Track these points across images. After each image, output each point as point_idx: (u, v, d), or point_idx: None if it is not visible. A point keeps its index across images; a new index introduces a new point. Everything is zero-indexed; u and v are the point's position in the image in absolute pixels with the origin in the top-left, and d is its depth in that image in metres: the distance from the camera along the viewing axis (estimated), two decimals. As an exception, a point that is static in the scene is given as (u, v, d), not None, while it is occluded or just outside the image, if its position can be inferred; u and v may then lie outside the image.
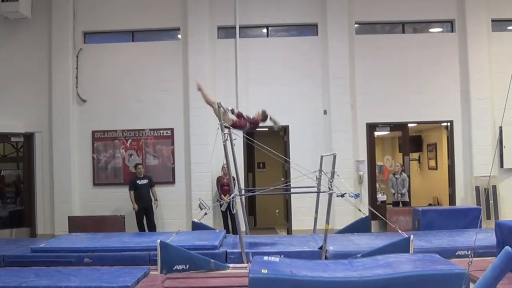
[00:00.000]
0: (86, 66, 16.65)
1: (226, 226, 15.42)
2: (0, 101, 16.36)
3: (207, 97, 11.32)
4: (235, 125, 11.22)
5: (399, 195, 15.87)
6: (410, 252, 9.48)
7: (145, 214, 15.59)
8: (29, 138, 16.70)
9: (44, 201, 16.50)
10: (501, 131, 15.54)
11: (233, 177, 12.53)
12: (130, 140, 16.50)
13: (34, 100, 16.57)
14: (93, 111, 16.56)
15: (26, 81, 16.56)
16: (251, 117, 11.37)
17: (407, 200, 15.98)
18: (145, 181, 15.64)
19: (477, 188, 15.82)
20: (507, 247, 5.75)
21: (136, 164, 15.97)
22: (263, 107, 11.52)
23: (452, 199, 16.50)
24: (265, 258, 8.16)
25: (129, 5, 16.72)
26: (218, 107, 10.74)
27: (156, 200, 15.77)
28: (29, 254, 10.85)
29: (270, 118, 11.37)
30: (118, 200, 15.98)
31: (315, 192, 12.31)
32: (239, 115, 11.35)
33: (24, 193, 16.99)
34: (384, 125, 16.83)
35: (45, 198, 16.48)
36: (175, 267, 9.53)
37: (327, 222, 10.35)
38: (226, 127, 11.04)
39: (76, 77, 16.58)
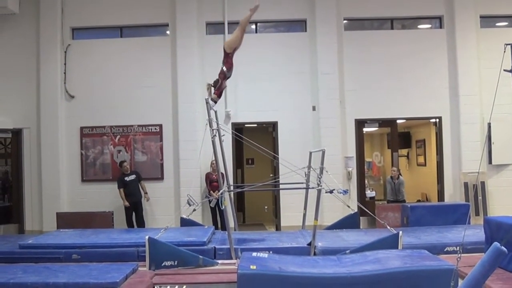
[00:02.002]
0: (74, 62, 16.59)
1: (214, 222, 15.42)
2: (-13, 97, 16.27)
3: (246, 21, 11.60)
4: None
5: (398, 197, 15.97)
6: (399, 248, 9.50)
7: (134, 210, 15.57)
8: (17, 134, 16.64)
9: (32, 197, 16.44)
10: (489, 127, 15.61)
11: (222, 173, 12.51)
12: (118, 136, 16.45)
13: (22, 96, 16.51)
14: (82, 107, 16.50)
15: (14, 77, 16.50)
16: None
17: (404, 199, 16.02)
18: (133, 177, 15.61)
19: (465, 184, 15.87)
20: (496, 243, 5.75)
21: (121, 162, 15.92)
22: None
23: (440, 195, 16.55)
24: (254, 254, 8.15)
25: (118, 0, 16.66)
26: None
27: (146, 193, 15.76)
28: (17, 251, 10.81)
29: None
30: (107, 196, 15.94)
31: (303, 188, 12.30)
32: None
33: (12, 189, 16.94)
34: (372, 121, 16.86)
35: (33, 194, 16.42)
36: (163, 263, 9.52)
37: (316, 218, 10.36)
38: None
39: (64, 73, 16.52)
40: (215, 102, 11.37)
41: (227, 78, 11.48)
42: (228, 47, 11.37)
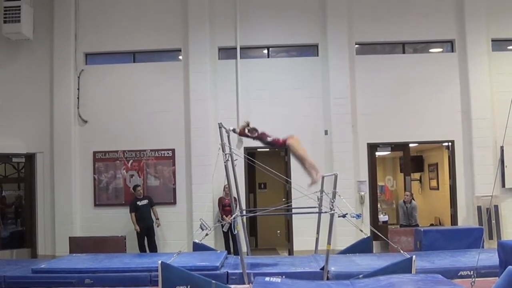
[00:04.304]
0: (87, 87, 16.69)
1: (227, 247, 15.39)
2: (1, 121, 16.35)
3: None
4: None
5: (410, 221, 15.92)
6: (413, 272, 9.42)
7: (147, 235, 15.58)
8: (30, 158, 16.72)
9: (45, 222, 16.47)
10: (502, 150, 15.51)
11: (234, 198, 12.50)
12: (131, 161, 16.50)
13: (36, 121, 16.61)
14: (94, 131, 16.58)
15: (28, 101, 16.61)
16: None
17: (417, 224, 15.95)
18: (145, 202, 15.64)
19: (479, 208, 15.78)
20: (510, 267, 5.74)
21: (134, 186, 15.96)
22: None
23: (454, 219, 16.45)
24: (267, 279, 8.14)
25: (131, 26, 16.79)
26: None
27: (157, 219, 15.77)
28: (30, 275, 10.81)
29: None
30: (119, 221, 15.94)
31: (316, 212, 12.27)
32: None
33: (25, 214, 16.97)
34: (385, 145, 16.83)
35: (46, 218, 16.46)
36: (176, 288, 9.51)
37: (329, 242, 10.32)
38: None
39: (78, 98, 16.63)
40: (235, 133, 11.39)
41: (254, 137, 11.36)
42: (297, 153, 11.20)
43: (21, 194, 17.20)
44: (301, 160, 11.05)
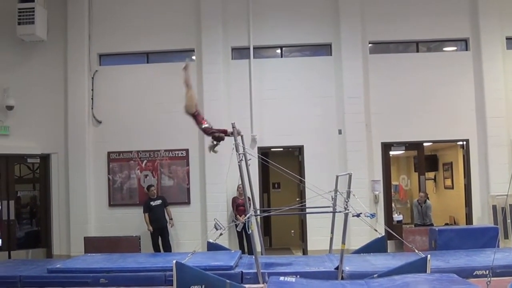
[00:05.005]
0: (101, 87, 16.77)
1: (241, 247, 15.41)
2: (16, 122, 16.47)
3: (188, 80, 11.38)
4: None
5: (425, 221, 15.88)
6: (427, 272, 9.39)
7: (160, 235, 15.63)
8: (45, 159, 16.83)
9: (60, 222, 16.58)
10: (517, 149, 15.46)
11: (248, 197, 12.48)
12: (145, 161, 16.55)
13: (50, 121, 16.71)
14: (109, 132, 16.65)
15: (42, 102, 16.71)
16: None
17: (432, 223, 15.91)
18: (158, 202, 15.69)
19: (494, 207, 15.69)
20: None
21: (148, 186, 16.02)
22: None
23: (469, 218, 16.38)
24: (281, 278, 8.14)
25: (144, 27, 16.84)
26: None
27: (171, 219, 15.81)
28: (46, 275, 10.84)
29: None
30: (134, 221, 16.00)
31: (330, 212, 12.25)
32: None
33: (40, 214, 17.06)
34: (399, 145, 16.79)
35: (61, 218, 16.56)
36: (191, 288, 9.52)
37: (343, 242, 10.29)
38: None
39: (92, 99, 16.71)
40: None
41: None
42: (190, 109, 11.28)
43: (36, 194, 17.27)
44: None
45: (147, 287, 9.73)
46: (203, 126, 11.25)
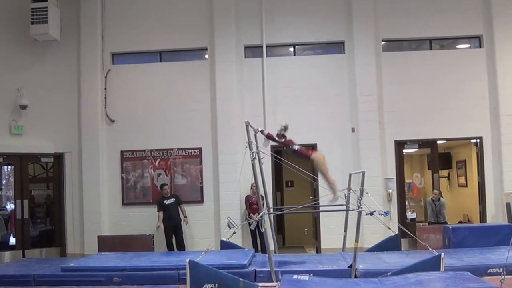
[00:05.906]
0: (114, 86, 16.81)
1: (255, 245, 15.40)
2: (30, 122, 16.50)
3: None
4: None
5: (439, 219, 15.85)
6: (441, 270, 9.36)
7: (174, 233, 15.66)
8: (58, 158, 16.90)
9: (73, 221, 16.63)
10: (531, 147, 15.38)
11: (262, 196, 12.50)
12: (158, 160, 16.58)
13: (64, 120, 16.75)
14: (122, 131, 16.69)
15: (56, 102, 16.74)
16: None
17: (446, 221, 15.86)
18: (172, 200, 15.72)
19: (508, 205, 15.60)
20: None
21: (162, 184, 16.06)
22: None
23: (482, 216, 16.31)
24: (295, 276, 8.14)
25: (157, 26, 16.87)
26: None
27: (185, 217, 15.84)
28: (59, 273, 10.90)
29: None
30: (147, 220, 16.03)
31: (344, 210, 12.22)
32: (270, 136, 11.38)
33: (54, 213, 17.12)
34: (412, 142, 16.72)
35: (75, 217, 16.61)
36: (204, 286, 9.49)
37: (357, 240, 10.28)
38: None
39: (105, 98, 16.75)
40: (263, 134, 11.41)
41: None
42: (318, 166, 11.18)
43: (50, 193, 17.34)
44: (324, 176, 11.02)
45: (160, 285, 9.73)
46: (294, 148, 11.19)
